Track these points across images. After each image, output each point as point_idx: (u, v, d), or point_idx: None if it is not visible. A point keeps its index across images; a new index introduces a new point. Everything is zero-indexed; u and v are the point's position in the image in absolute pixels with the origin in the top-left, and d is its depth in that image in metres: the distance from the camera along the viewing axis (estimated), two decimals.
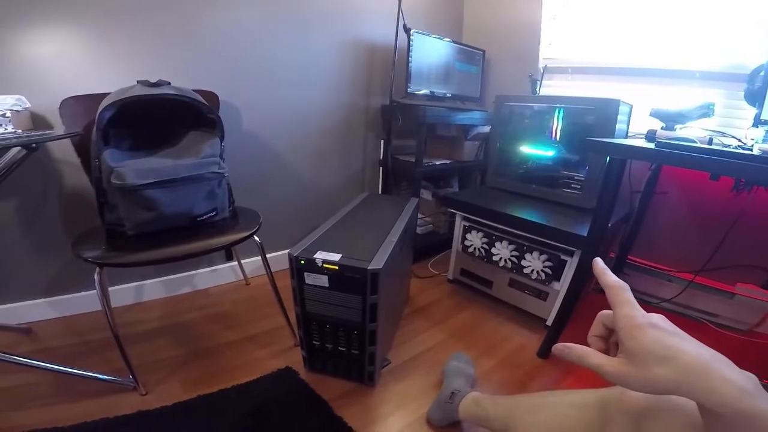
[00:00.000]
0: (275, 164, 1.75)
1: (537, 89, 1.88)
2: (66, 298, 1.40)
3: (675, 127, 1.35)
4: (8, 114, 0.99)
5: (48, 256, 1.33)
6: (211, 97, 1.36)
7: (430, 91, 1.90)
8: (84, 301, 1.41)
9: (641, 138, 1.37)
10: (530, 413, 0.77)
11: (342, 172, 2.01)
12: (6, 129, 0.98)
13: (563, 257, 1.35)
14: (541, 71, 1.90)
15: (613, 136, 1.38)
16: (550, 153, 1.65)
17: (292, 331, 1.32)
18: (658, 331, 0.37)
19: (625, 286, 0.42)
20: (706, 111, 1.30)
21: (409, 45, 1.73)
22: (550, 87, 1.97)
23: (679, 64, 1.56)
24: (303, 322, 1.11)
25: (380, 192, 2.04)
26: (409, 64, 1.75)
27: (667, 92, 1.61)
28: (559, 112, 1.57)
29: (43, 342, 1.27)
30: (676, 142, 1.00)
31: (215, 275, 1.71)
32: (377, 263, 0.98)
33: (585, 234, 1.23)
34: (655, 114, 1.38)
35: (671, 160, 0.96)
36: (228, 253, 1.63)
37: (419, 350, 1.33)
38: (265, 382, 1.14)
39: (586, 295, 1.59)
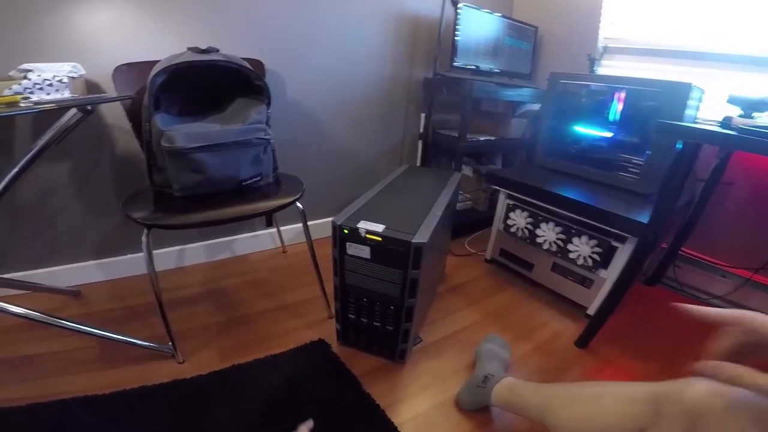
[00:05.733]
0: (316, 133, 1.74)
1: (595, 69, 1.76)
2: (113, 260, 1.45)
3: (752, 114, 1.24)
4: (65, 80, 1.02)
5: (97, 217, 1.38)
6: (258, 65, 1.35)
7: (477, 66, 1.82)
8: (129, 264, 1.46)
9: (711, 124, 1.27)
10: (571, 404, 0.74)
11: (381, 144, 1.99)
12: (63, 94, 1.01)
13: (614, 243, 1.28)
14: (601, 51, 1.78)
15: (680, 122, 1.28)
16: (606, 135, 1.55)
17: (327, 303, 1.33)
18: None
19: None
20: None
21: (456, 18, 1.67)
22: (608, 68, 1.86)
23: (761, 50, 1.42)
24: (341, 295, 1.10)
25: (419, 165, 2.00)
26: (456, 38, 1.69)
27: (741, 79, 1.47)
28: (620, 94, 1.47)
29: (89, 306, 1.30)
30: (761, 129, 0.91)
31: (254, 241, 1.74)
32: (421, 237, 0.95)
33: (643, 220, 1.15)
34: (733, 100, 1.26)
35: (755, 147, 0.88)
36: (268, 219, 1.65)
37: (452, 330, 1.31)
38: (298, 354, 1.14)
39: (633, 286, 1.51)
